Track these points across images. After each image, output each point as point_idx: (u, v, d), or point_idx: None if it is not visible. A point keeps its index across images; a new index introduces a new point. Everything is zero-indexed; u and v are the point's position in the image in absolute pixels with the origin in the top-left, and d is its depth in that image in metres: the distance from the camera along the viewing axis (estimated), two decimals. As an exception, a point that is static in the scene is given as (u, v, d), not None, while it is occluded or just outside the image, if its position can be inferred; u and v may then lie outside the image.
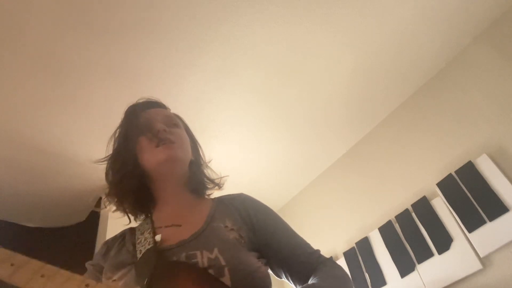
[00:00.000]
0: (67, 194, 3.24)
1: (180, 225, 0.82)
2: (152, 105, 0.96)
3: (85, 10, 1.91)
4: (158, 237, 0.79)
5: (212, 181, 0.96)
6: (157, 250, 0.75)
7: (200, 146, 1.01)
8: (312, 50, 2.34)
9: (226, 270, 0.68)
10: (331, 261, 0.84)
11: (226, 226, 0.79)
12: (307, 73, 2.47)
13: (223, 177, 0.98)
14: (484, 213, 2.05)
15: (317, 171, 3.37)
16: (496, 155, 2.15)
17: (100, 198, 3.33)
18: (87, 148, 2.75)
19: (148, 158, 0.84)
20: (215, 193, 0.97)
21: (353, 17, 2.20)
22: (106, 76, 2.26)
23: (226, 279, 0.67)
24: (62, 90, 2.30)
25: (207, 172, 0.97)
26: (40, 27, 1.95)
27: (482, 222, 2.04)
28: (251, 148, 2.96)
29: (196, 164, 0.94)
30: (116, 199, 0.89)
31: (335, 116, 2.85)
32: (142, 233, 0.83)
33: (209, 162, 1.01)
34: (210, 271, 0.68)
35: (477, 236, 2.06)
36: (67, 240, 3.31)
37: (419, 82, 2.74)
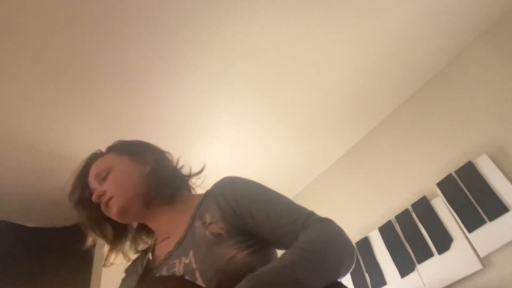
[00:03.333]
0: (67, 194, 3.23)
1: (169, 237, 0.85)
2: (88, 166, 0.99)
3: (85, 10, 1.91)
4: (150, 256, 0.85)
5: (179, 179, 0.95)
6: (146, 270, 0.81)
7: (155, 150, 0.99)
8: (312, 51, 2.34)
9: (197, 273, 0.69)
10: (315, 223, 0.74)
11: (205, 222, 0.78)
12: (307, 74, 2.47)
13: (196, 175, 0.98)
14: (484, 213, 2.05)
15: (317, 171, 3.38)
16: (496, 155, 2.15)
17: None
18: (87, 148, 2.74)
19: None
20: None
21: (353, 18, 2.20)
22: (107, 76, 2.26)
23: (200, 281, 0.68)
24: (62, 90, 2.30)
25: (172, 173, 0.95)
26: (39, 27, 1.95)
27: (482, 222, 2.04)
28: (250, 149, 2.96)
29: (154, 173, 0.91)
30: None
31: (334, 117, 2.85)
32: (147, 253, 0.88)
33: (178, 160, 1.00)
34: (187, 276, 0.69)
35: (477, 236, 2.06)
36: (67, 240, 3.31)
37: (419, 82, 2.74)
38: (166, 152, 1.00)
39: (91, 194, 0.93)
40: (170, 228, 0.86)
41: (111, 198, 0.87)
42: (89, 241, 0.96)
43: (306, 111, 2.73)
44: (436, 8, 2.25)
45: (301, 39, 2.26)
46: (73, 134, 2.62)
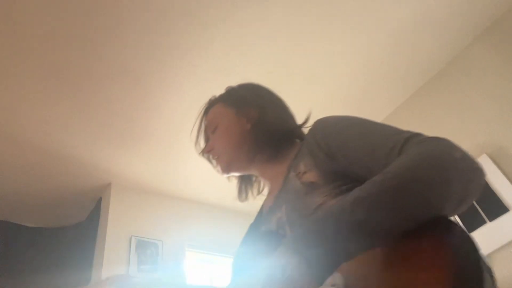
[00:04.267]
0: (67, 194, 3.23)
1: (272, 191, 0.85)
2: (203, 115, 1.00)
3: (85, 10, 1.91)
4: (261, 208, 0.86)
5: (285, 133, 0.87)
6: (256, 223, 0.82)
7: (263, 98, 0.93)
8: (312, 50, 2.34)
9: (286, 227, 0.67)
10: (413, 146, 0.57)
11: (298, 173, 0.73)
12: (307, 73, 2.47)
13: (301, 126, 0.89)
14: (484, 213, 2.05)
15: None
16: (496, 155, 2.15)
17: (100, 198, 3.33)
18: (87, 148, 2.75)
19: None
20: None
21: (353, 17, 2.20)
22: (107, 77, 2.26)
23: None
24: (61, 91, 2.30)
25: (276, 128, 0.86)
26: (40, 28, 1.96)
27: (482, 222, 2.04)
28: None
29: (255, 128, 0.87)
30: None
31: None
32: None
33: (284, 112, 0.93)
34: (279, 231, 0.68)
35: (477, 236, 2.06)
36: (67, 240, 3.31)
37: (419, 82, 2.73)
38: (276, 98, 0.95)
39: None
40: (272, 181, 0.86)
41: (218, 157, 0.89)
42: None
43: (306, 111, 2.73)
44: (436, 8, 2.25)
45: (301, 39, 2.26)
46: (73, 134, 2.62)
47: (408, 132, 0.61)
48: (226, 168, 0.88)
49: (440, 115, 2.54)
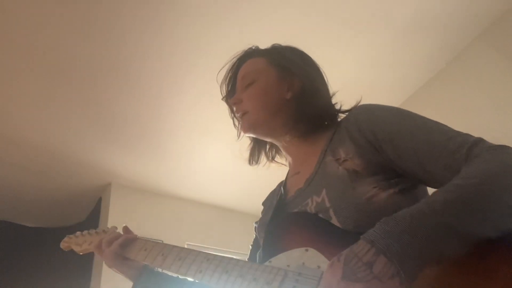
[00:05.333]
0: (67, 194, 3.24)
1: (299, 172, 0.79)
2: (238, 65, 0.92)
3: (85, 10, 1.91)
4: (282, 190, 0.82)
5: (324, 112, 0.80)
6: (279, 205, 0.78)
7: (309, 68, 0.87)
8: (313, 49, 2.33)
9: (331, 212, 0.64)
10: (485, 152, 0.57)
11: (338, 159, 0.69)
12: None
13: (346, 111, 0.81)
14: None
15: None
16: (496, 155, 2.15)
17: (100, 198, 3.33)
18: (87, 148, 2.75)
19: None
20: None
21: (353, 17, 2.20)
22: (107, 77, 2.26)
23: (335, 221, 0.63)
24: (62, 91, 2.30)
25: (315, 107, 0.80)
26: (40, 27, 1.96)
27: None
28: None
29: (295, 101, 0.80)
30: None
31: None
32: (280, 186, 0.85)
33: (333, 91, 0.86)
34: (320, 215, 0.66)
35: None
36: (67, 240, 3.31)
37: (419, 82, 2.73)
38: (321, 72, 0.88)
39: (234, 93, 0.88)
40: (299, 161, 0.81)
41: (245, 113, 0.81)
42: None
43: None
44: (436, 8, 2.25)
45: (302, 38, 2.26)
46: (73, 134, 2.62)
47: (468, 134, 0.61)
48: (250, 128, 0.81)
49: (440, 115, 2.52)
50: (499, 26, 2.38)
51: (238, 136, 0.90)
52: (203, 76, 2.32)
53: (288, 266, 0.62)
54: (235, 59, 0.93)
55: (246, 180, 3.18)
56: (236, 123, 0.91)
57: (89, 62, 2.15)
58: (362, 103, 0.77)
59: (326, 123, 0.80)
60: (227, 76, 0.93)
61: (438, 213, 0.47)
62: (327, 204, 0.65)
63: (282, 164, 0.93)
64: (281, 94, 0.80)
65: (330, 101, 0.84)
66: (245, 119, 0.81)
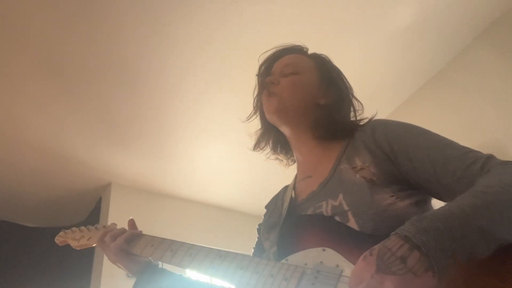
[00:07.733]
0: (67, 194, 3.24)
1: (311, 176, 0.81)
2: (282, 53, 0.94)
3: (84, 10, 1.92)
4: (292, 193, 0.83)
5: (345, 126, 0.85)
6: (291, 207, 0.79)
7: (345, 90, 0.91)
8: (313, 49, 2.34)
9: (349, 215, 0.66)
10: (498, 167, 0.64)
11: (355, 167, 0.72)
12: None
13: (361, 120, 0.86)
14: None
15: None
16: (496, 155, 2.14)
17: (100, 198, 3.33)
18: (87, 148, 2.75)
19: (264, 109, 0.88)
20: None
21: (353, 17, 2.20)
22: (107, 77, 2.26)
23: (352, 223, 0.65)
24: (62, 91, 2.30)
25: (343, 117, 0.86)
26: (40, 27, 1.96)
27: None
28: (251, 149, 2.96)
29: (325, 109, 0.85)
30: (260, 135, 0.96)
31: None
32: (289, 189, 0.86)
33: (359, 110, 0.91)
34: (336, 218, 0.67)
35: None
36: (67, 240, 3.30)
37: (419, 82, 2.73)
38: (355, 98, 0.92)
39: (268, 74, 0.90)
40: (311, 165, 0.83)
41: (279, 95, 0.83)
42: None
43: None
44: (436, 8, 2.25)
45: (302, 39, 2.26)
46: (73, 134, 2.62)
47: (479, 151, 0.69)
48: (279, 110, 0.83)
49: (440, 115, 2.54)
50: (499, 26, 2.38)
51: (248, 118, 0.96)
52: (203, 76, 2.32)
53: (305, 264, 0.62)
54: (281, 48, 0.95)
55: (246, 180, 3.18)
56: (255, 104, 0.94)
57: (89, 62, 2.16)
58: (364, 105, 0.84)
59: (343, 134, 0.84)
60: (269, 58, 0.95)
61: (471, 215, 0.50)
62: (345, 207, 0.67)
63: (283, 160, 0.95)
64: (316, 97, 0.85)
65: (350, 117, 0.90)
66: (278, 100, 0.83)
